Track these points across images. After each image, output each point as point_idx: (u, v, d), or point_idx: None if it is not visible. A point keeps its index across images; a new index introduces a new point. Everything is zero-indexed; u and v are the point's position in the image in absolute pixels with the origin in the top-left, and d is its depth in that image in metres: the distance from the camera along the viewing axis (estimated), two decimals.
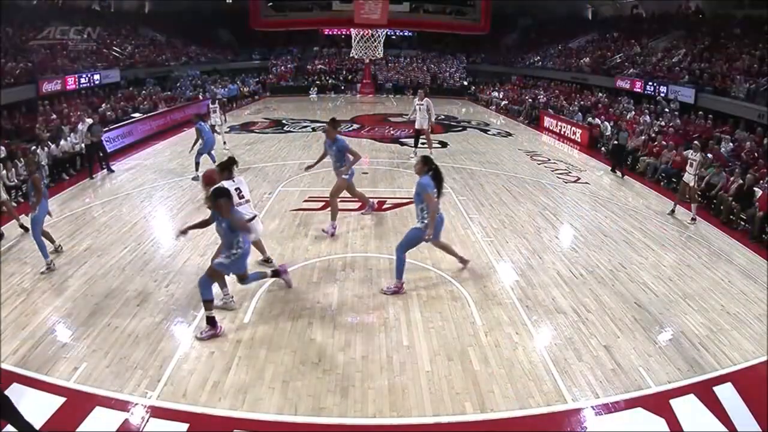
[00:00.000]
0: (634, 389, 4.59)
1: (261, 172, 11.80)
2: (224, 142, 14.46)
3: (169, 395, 4.36)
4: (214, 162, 10.52)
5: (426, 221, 5.86)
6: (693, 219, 9.33)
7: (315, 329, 5.39)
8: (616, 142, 13.04)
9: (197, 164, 11.18)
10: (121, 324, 5.40)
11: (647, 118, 15.96)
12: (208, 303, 5.15)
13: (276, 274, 6.01)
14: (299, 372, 4.70)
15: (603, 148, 15.47)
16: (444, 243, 6.62)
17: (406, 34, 35.35)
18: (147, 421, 4.09)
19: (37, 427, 3.94)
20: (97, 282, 6.34)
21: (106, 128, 13.55)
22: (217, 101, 15.08)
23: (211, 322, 5.19)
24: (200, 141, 11.18)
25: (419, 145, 13.47)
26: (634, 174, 12.90)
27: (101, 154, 12.09)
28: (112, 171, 12.08)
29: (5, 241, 7.59)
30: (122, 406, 4.23)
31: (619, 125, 14.10)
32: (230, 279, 5.65)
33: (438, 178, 5.90)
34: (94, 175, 11.52)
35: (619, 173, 12.73)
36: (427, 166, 5.97)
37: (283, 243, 7.60)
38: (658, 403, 4.43)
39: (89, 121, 12.30)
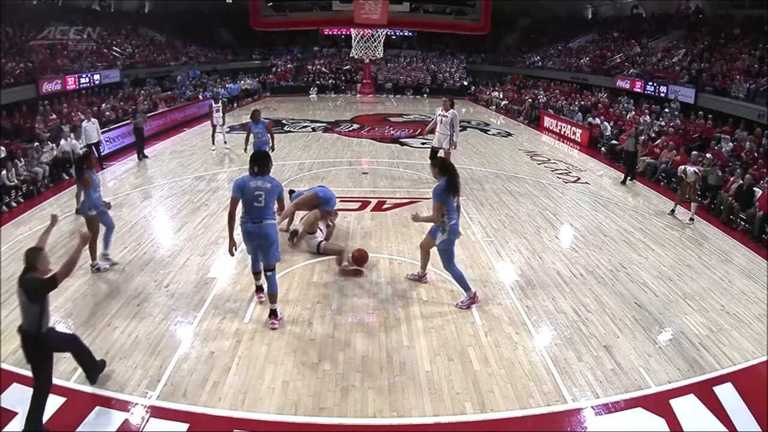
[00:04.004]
0: (634, 389, 4.59)
1: None
2: (225, 141, 14.48)
3: (169, 395, 4.36)
4: None
5: (446, 229, 5.55)
6: (691, 219, 9.33)
7: (315, 329, 5.39)
8: (624, 148, 12.27)
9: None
10: (121, 324, 5.40)
11: (647, 118, 15.97)
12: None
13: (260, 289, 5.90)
14: (299, 372, 4.70)
15: (603, 148, 15.47)
16: (427, 247, 6.16)
17: (406, 34, 35.37)
18: (147, 421, 4.09)
19: None
20: (97, 282, 6.34)
21: (105, 129, 13.59)
22: (220, 101, 15.09)
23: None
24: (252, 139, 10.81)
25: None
26: (635, 174, 12.88)
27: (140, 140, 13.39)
28: (146, 157, 13.24)
29: (5, 242, 7.59)
30: (122, 406, 4.23)
31: (637, 129, 13.08)
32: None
33: (452, 183, 5.52)
34: (141, 157, 13.17)
35: (629, 180, 12.03)
36: (441, 170, 5.63)
37: (283, 243, 7.59)
38: (658, 403, 4.43)
39: (94, 120, 12.35)
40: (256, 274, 5.75)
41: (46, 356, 4.00)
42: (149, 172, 12.03)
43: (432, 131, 11.07)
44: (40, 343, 3.96)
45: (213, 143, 14.28)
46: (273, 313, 5.44)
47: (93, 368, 4.51)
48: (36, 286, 3.87)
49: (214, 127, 14.34)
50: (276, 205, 5.35)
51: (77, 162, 6.86)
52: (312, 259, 7.08)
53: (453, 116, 10.45)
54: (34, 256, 3.96)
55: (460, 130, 12.12)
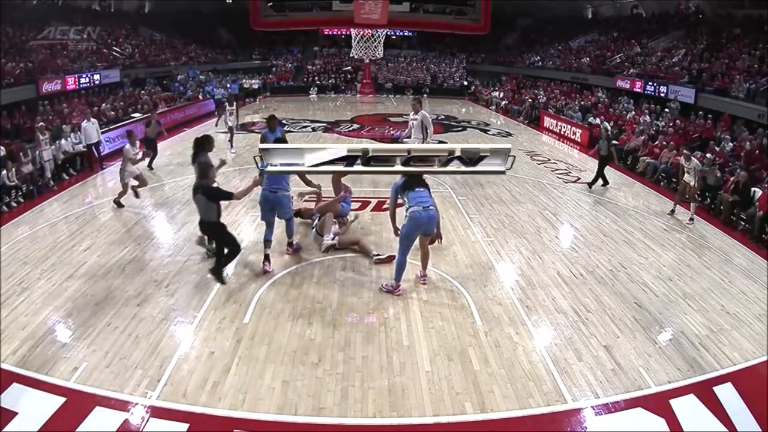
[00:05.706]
0: (634, 389, 4.59)
1: None
2: (228, 142, 14.44)
3: (169, 395, 4.36)
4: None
5: (406, 215, 6.16)
6: (691, 219, 9.32)
7: (315, 329, 5.40)
8: (599, 152, 11.35)
9: None
10: (121, 324, 5.40)
11: (647, 118, 15.96)
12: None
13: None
14: (299, 372, 4.70)
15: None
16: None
17: (406, 34, 35.35)
18: (147, 421, 4.09)
19: (37, 427, 3.96)
20: (97, 282, 6.34)
21: (104, 129, 13.56)
22: (235, 103, 14.94)
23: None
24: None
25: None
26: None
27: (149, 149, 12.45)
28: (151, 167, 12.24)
29: (5, 242, 7.59)
30: (122, 406, 4.23)
31: (608, 132, 12.48)
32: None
33: (407, 180, 6.32)
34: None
35: (602, 185, 11.35)
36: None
37: (283, 242, 7.59)
38: (658, 403, 4.43)
39: (94, 121, 12.33)
40: (267, 241, 6.69)
41: (224, 230, 5.91)
42: (149, 172, 11.99)
43: (410, 136, 10.53)
44: (221, 226, 5.87)
45: (232, 146, 14.06)
46: (289, 244, 7.10)
47: (220, 268, 5.97)
48: (218, 193, 5.73)
49: (230, 128, 14.23)
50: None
51: (196, 144, 7.01)
52: (312, 259, 7.08)
53: (423, 117, 9.99)
54: (209, 168, 5.93)
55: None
